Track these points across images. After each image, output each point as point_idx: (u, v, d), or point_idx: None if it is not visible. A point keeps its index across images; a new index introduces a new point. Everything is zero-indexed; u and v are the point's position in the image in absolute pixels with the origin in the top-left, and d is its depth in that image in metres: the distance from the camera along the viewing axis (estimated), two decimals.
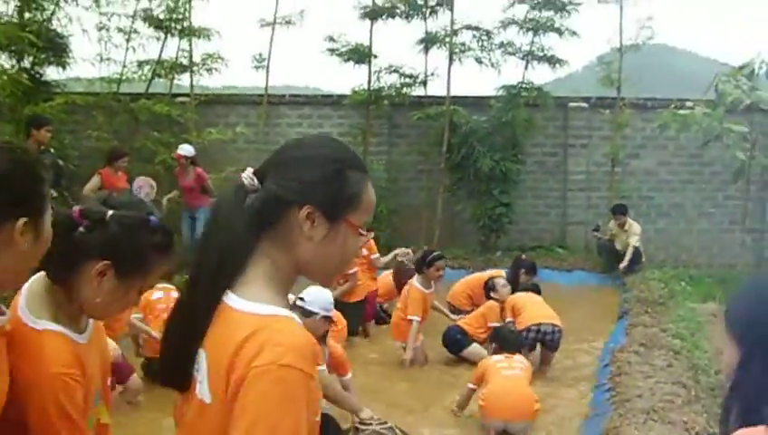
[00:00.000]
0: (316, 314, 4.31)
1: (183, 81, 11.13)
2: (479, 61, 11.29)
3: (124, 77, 10.62)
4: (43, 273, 1.58)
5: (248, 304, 1.19)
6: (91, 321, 1.67)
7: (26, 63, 9.66)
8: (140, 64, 10.78)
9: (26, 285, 1.57)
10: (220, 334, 1.19)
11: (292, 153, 1.31)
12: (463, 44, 11.33)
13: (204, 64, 10.89)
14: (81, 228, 1.55)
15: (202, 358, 1.21)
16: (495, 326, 5.96)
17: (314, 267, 1.30)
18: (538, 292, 6.64)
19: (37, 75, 9.80)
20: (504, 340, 5.22)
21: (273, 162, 1.30)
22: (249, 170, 1.29)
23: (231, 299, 1.21)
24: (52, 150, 7.62)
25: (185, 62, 10.91)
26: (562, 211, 11.75)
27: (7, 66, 9.20)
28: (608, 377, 5.27)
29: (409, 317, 6.04)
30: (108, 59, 10.50)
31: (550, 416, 4.95)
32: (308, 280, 1.37)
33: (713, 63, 20.76)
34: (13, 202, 1.33)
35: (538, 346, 5.99)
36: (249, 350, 1.12)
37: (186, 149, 9.04)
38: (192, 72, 10.82)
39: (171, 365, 1.29)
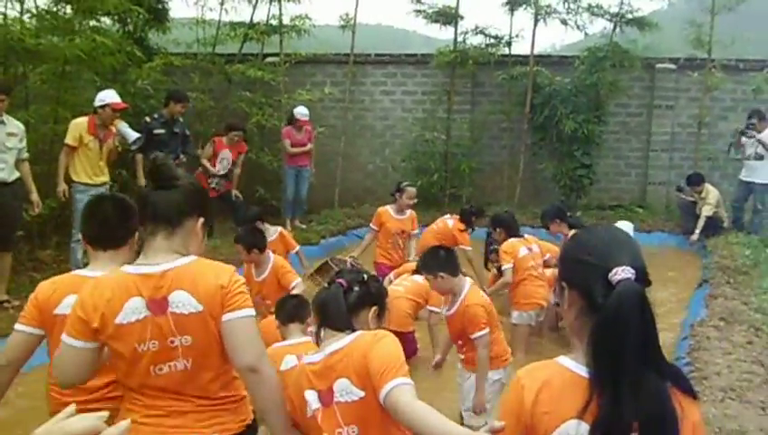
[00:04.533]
0: None
1: (273, 40, 11.40)
2: (564, 23, 11.12)
3: (218, 39, 10.98)
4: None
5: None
6: None
7: (129, 27, 10.14)
8: (233, 26, 11.10)
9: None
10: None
11: None
12: (548, 6, 11.15)
13: (293, 27, 11.06)
14: (355, 289, 2.34)
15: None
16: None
17: None
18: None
19: (140, 39, 10.23)
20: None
21: None
22: None
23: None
24: (181, 120, 8.30)
25: (274, 23, 11.11)
26: (644, 171, 11.68)
27: (113, 29, 9.71)
28: (686, 351, 5.26)
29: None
30: (203, 21, 10.91)
31: None
32: None
33: None
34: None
35: None
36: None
37: (305, 113, 9.63)
38: (281, 34, 11.05)
39: None
